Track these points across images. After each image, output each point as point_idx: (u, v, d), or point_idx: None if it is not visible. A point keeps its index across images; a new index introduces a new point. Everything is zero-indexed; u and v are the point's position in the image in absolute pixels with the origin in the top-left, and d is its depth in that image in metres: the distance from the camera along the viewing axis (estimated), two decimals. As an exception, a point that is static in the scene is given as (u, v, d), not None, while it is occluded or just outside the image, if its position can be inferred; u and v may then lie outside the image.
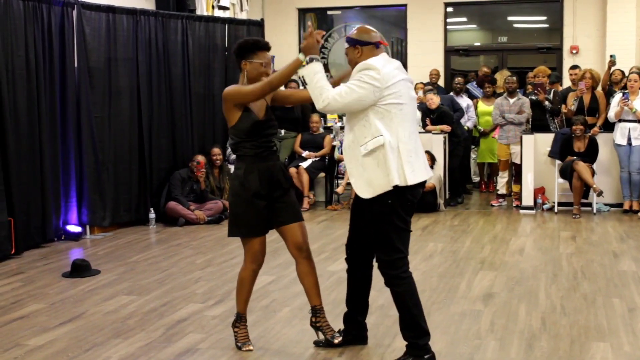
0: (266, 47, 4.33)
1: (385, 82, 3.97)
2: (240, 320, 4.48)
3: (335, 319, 4.94)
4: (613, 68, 10.23)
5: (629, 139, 9.29)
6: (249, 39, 4.39)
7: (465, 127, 10.82)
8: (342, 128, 11.26)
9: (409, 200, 4.08)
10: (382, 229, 4.06)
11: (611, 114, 9.43)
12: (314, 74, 4.02)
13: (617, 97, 9.39)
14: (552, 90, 10.17)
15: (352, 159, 4.10)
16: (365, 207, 4.10)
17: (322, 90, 3.98)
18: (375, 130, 3.98)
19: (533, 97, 10.04)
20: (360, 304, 4.48)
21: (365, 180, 4.04)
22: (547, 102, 9.90)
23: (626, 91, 9.31)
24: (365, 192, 4.04)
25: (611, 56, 10.14)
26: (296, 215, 4.41)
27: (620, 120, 9.35)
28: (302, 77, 4.06)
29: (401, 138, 4.01)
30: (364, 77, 3.96)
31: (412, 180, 4.01)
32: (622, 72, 10.30)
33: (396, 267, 4.07)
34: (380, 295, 5.57)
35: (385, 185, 3.99)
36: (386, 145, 3.97)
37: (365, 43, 4.13)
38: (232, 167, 9.72)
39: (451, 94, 11.14)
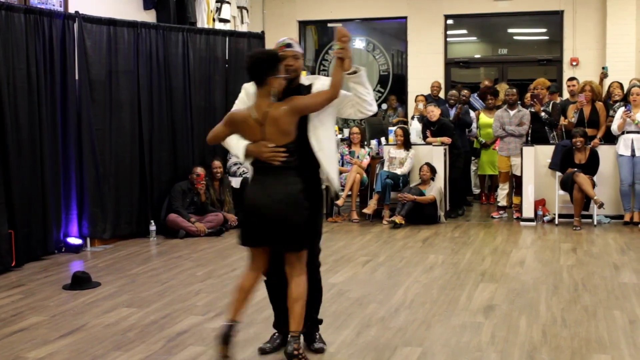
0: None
1: None
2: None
3: (336, 331, 4.95)
4: (605, 80, 10.27)
5: (633, 150, 9.30)
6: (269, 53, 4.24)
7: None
8: (342, 140, 11.28)
9: None
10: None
11: (614, 127, 9.44)
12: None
13: (620, 110, 9.42)
14: (551, 102, 10.19)
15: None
16: None
17: None
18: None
19: (531, 110, 10.05)
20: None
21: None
22: (543, 114, 9.91)
23: (628, 104, 9.35)
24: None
25: (603, 68, 10.17)
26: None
27: (623, 132, 9.37)
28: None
29: None
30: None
31: None
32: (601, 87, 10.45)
33: None
34: (380, 307, 5.57)
35: None
36: None
37: None
38: (232, 180, 9.80)
39: (446, 105, 11.02)
